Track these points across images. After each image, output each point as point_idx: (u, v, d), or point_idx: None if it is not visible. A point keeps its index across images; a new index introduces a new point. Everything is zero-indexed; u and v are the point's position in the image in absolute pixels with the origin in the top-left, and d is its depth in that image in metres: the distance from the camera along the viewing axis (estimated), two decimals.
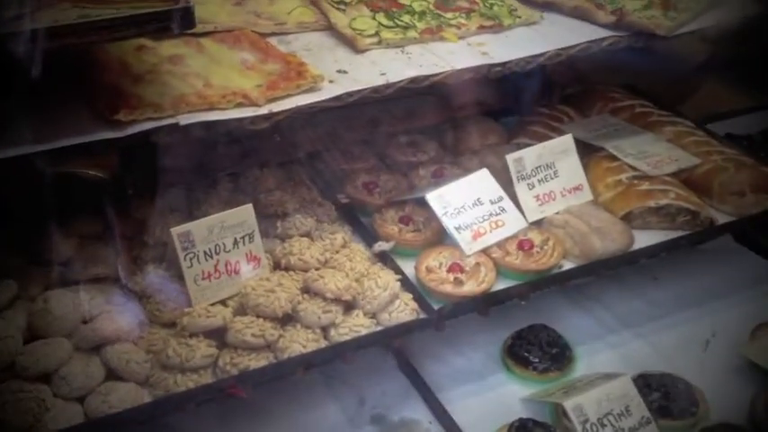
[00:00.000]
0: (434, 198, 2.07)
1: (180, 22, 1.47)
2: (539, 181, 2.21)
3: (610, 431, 1.84)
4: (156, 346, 1.71)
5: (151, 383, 1.66)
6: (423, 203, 2.11)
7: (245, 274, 1.84)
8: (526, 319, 2.20)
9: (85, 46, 1.47)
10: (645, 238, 2.19)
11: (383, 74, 1.90)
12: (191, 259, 1.76)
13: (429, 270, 2.00)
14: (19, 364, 1.56)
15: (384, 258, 2.05)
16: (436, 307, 1.91)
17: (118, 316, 1.72)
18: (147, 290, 1.83)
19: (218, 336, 1.75)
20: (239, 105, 1.73)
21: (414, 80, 1.91)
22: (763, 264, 2.47)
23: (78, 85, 1.71)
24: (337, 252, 2.00)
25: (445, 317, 1.91)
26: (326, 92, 1.82)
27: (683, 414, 1.94)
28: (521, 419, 1.89)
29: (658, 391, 1.98)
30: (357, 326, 1.82)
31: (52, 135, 1.56)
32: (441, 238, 2.12)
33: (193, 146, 2.12)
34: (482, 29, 2.13)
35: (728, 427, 1.87)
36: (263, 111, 1.74)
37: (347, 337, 1.80)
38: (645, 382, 1.99)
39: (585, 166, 2.32)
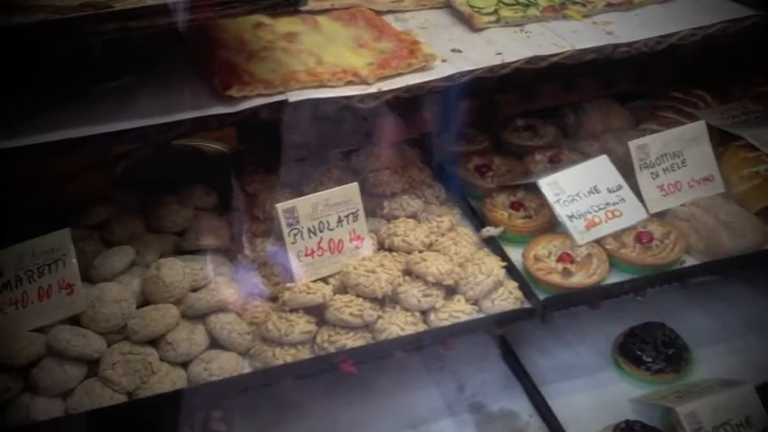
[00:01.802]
0: (547, 184, 1.99)
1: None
2: (664, 170, 2.07)
3: None
4: (258, 318, 1.75)
5: (251, 354, 1.70)
6: (536, 189, 2.03)
7: (348, 253, 1.84)
8: (642, 316, 2.09)
9: (200, 22, 1.51)
10: None
11: (499, 53, 1.84)
12: (295, 235, 1.78)
13: (537, 258, 1.93)
14: (130, 328, 1.64)
15: (491, 244, 1.99)
16: (542, 297, 1.83)
17: (224, 287, 1.77)
18: (253, 263, 1.88)
19: (318, 313, 1.76)
20: (349, 83, 1.73)
21: (530, 60, 1.84)
22: None
23: (197, 61, 1.77)
24: (443, 235, 1.97)
25: (551, 308, 1.84)
26: (438, 71, 1.78)
27: None
28: (627, 421, 1.79)
29: None
30: (457, 311, 1.78)
31: (169, 109, 1.63)
32: (553, 226, 2.03)
33: (308, 122, 2.14)
34: (610, 6, 2.02)
35: None
36: (372, 89, 1.73)
37: (446, 323, 1.77)
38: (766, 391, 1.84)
39: (719, 156, 2.15)
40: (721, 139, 2.23)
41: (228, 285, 1.79)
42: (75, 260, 1.64)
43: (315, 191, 1.90)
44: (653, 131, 2.16)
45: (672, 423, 1.80)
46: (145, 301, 1.72)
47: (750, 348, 2.06)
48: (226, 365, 1.64)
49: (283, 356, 1.68)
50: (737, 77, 2.52)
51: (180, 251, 1.87)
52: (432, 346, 1.87)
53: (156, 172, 2.13)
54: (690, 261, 1.96)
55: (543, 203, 2.03)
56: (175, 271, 1.71)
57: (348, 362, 1.72)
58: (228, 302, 1.75)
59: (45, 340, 1.59)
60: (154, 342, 1.65)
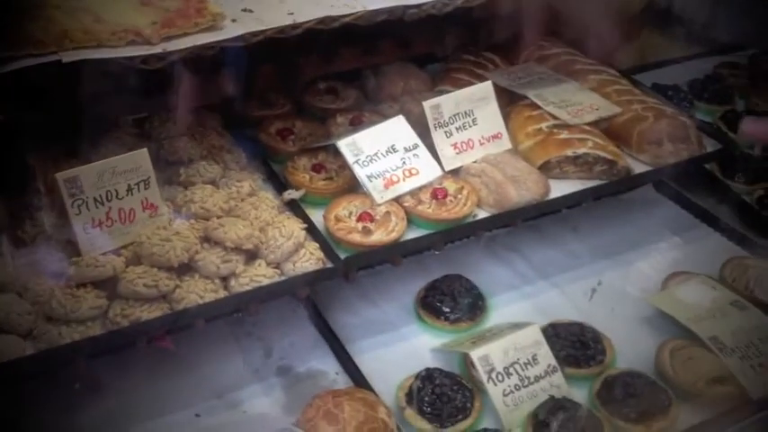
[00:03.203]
0: (346, 145, 2.01)
1: None
2: (456, 129, 2.15)
3: (515, 380, 1.83)
4: (42, 297, 1.63)
5: (34, 336, 1.59)
6: (337, 151, 2.04)
7: (141, 223, 1.76)
8: (442, 271, 2.18)
9: None
10: (563, 188, 2.17)
11: (291, 13, 1.81)
12: (79, 206, 1.67)
13: (338, 219, 1.95)
14: None
15: (294, 208, 1.99)
16: (343, 257, 1.86)
17: (2, 265, 1.63)
18: (35, 239, 1.74)
19: (111, 287, 1.67)
20: (132, 43, 1.63)
21: (323, 21, 1.83)
22: (681, 214, 2.48)
23: None
24: (243, 200, 1.93)
25: (353, 266, 1.87)
26: (227, 32, 1.72)
27: (590, 362, 1.95)
28: (427, 369, 1.87)
29: (567, 339, 1.98)
30: (258, 276, 1.76)
31: None
32: (354, 187, 2.06)
33: (92, 86, 2.01)
34: None
35: (632, 375, 1.87)
36: (157, 50, 1.64)
37: (247, 288, 1.74)
38: (554, 332, 1.99)
39: (507, 115, 2.28)
40: (509, 99, 2.36)
41: (5, 264, 1.65)
42: None
43: (100, 158, 1.79)
44: (448, 92, 2.24)
45: (467, 368, 1.90)
46: None
47: (539, 293, 2.22)
48: (6, 348, 1.51)
49: (71, 335, 1.58)
50: (523, 42, 2.67)
51: None
52: (235, 313, 1.84)
53: None
54: (482, 214, 2.07)
55: (344, 165, 2.05)
56: None
57: (147, 339, 1.66)
58: (6, 282, 1.61)
59: None
60: None
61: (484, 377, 1.81)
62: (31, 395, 1.75)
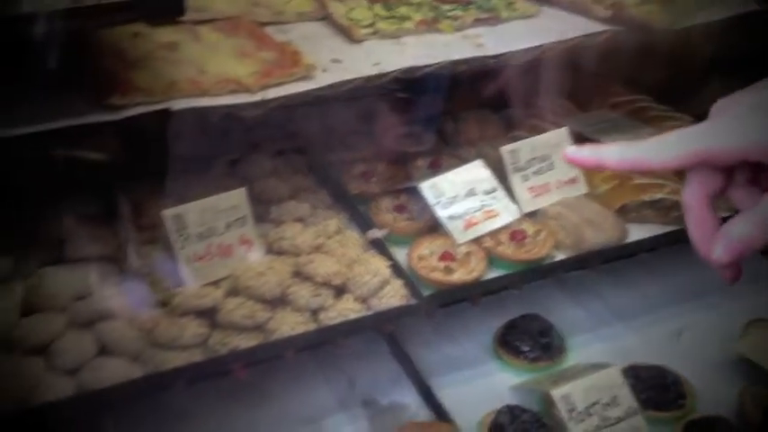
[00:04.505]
0: (427, 187, 2.10)
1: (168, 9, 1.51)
2: (533, 173, 2.22)
3: (596, 420, 1.85)
4: (148, 324, 1.75)
5: (142, 360, 1.70)
6: (418, 194, 2.13)
7: (238, 257, 1.87)
8: (519, 310, 2.22)
9: (77, 31, 1.51)
10: (640, 232, 2.20)
11: (377, 64, 1.93)
12: (183, 241, 1.79)
13: (420, 258, 2.03)
14: (14, 337, 1.61)
15: (378, 246, 2.07)
16: (426, 294, 1.93)
17: (111, 294, 1.76)
18: (141, 270, 1.87)
19: (210, 317, 1.78)
20: (232, 92, 1.76)
21: (407, 71, 1.94)
22: (758, 260, 2.47)
23: (74, 70, 1.75)
24: (330, 238, 2.03)
25: (434, 303, 1.94)
26: (319, 80, 1.85)
27: (670, 406, 1.95)
28: (508, 406, 1.91)
29: (647, 382, 1.99)
30: (346, 310, 1.85)
31: (48, 117, 1.60)
32: (435, 227, 2.14)
33: (192, 131, 2.16)
34: (478, 21, 2.15)
35: (713, 420, 1.87)
36: (256, 98, 1.77)
37: (336, 321, 1.83)
38: (634, 374, 2.01)
39: None
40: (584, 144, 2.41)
41: (116, 292, 1.78)
42: None
43: (201, 198, 1.92)
44: (522, 138, 2.32)
45: (548, 406, 1.93)
46: (28, 310, 1.68)
47: (617, 335, 2.24)
48: (116, 372, 1.63)
49: (175, 360, 1.69)
50: (596, 89, 2.74)
51: (62, 260, 1.84)
52: (322, 345, 1.93)
53: (35, 181, 2.08)
54: (559, 256, 2.12)
55: (425, 206, 2.13)
56: (59, 279, 1.70)
57: (241, 366, 1.75)
58: (116, 309, 1.74)
59: None
60: (40, 351, 1.62)
61: (565, 416, 1.83)
62: (128, 418, 1.86)
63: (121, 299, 1.78)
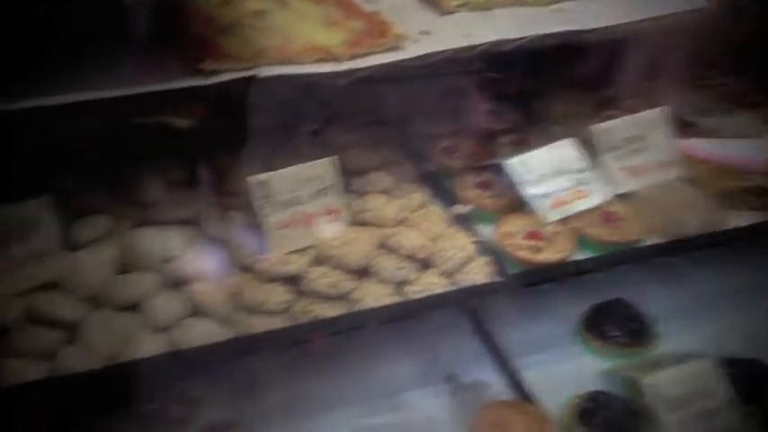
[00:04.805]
0: (515, 164, 2.05)
1: None
2: (626, 153, 2.14)
3: (690, 411, 1.78)
4: (235, 288, 1.76)
5: (229, 323, 1.71)
6: (503, 170, 2.08)
7: (323, 226, 1.86)
8: (607, 293, 2.16)
9: None
10: (736, 219, 2.10)
11: (467, 36, 1.88)
12: (268, 208, 1.80)
13: (506, 235, 1.98)
14: (108, 295, 1.64)
15: (461, 221, 2.04)
16: (512, 273, 1.89)
17: (199, 257, 1.78)
18: (227, 235, 1.89)
19: (294, 284, 1.78)
20: (320, 61, 1.75)
21: (497, 43, 1.89)
22: None
23: (166, 35, 1.77)
24: (414, 212, 2.01)
25: (520, 282, 1.89)
26: (408, 52, 1.81)
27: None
28: (594, 392, 1.85)
29: (741, 375, 1.91)
30: (431, 284, 1.82)
31: (141, 81, 1.63)
32: (520, 204, 2.08)
33: (278, 99, 2.17)
34: None
35: None
36: (344, 67, 1.75)
37: (420, 295, 1.80)
38: (728, 365, 1.92)
39: None
40: (680, 126, 2.32)
41: (203, 256, 1.80)
42: (55, 227, 1.64)
43: (285, 166, 1.92)
44: (616, 116, 2.24)
45: (635, 394, 1.87)
46: (121, 269, 1.72)
47: (709, 323, 2.14)
48: (205, 333, 1.65)
49: (261, 325, 1.70)
50: (693, 68, 2.62)
51: (153, 222, 1.87)
52: (405, 318, 1.91)
53: (124, 146, 2.12)
54: (651, 240, 2.03)
55: (510, 184, 2.08)
56: (151, 240, 1.72)
57: (324, 335, 1.75)
58: (204, 272, 1.76)
59: (25, 304, 1.57)
60: (133, 309, 1.65)
61: (657, 405, 1.77)
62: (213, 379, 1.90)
63: (209, 262, 1.80)
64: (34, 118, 1.54)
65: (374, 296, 1.77)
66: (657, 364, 1.88)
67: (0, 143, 1.80)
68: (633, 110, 2.28)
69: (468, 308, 1.95)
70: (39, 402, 1.60)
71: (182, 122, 2.11)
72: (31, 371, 1.53)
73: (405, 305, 1.80)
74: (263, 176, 1.80)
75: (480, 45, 1.86)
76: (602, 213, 2.03)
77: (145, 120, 2.07)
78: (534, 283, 1.93)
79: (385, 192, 2.05)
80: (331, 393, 1.90)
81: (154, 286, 1.67)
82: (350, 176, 2.09)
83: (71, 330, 1.61)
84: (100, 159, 2.02)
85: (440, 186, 2.18)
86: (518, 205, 2.08)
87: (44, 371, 1.55)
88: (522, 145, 2.28)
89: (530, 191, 2.02)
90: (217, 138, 2.13)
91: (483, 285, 1.86)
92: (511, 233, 1.98)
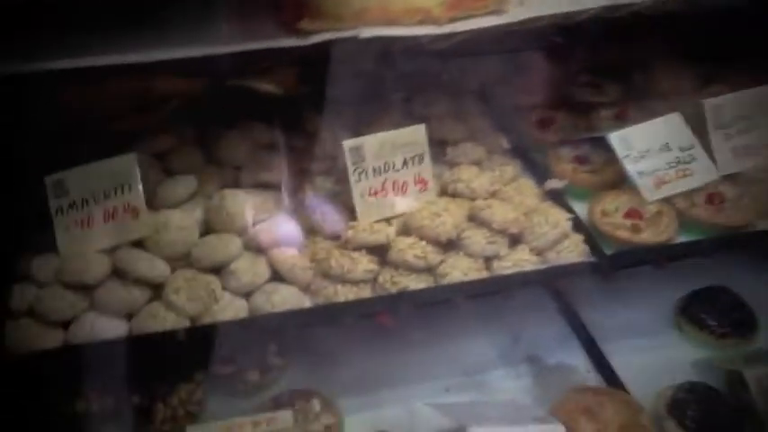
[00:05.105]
0: (617, 139, 1.93)
1: None
2: (738, 131, 1.99)
3: None
4: (320, 255, 1.72)
5: (312, 290, 1.68)
6: (601, 145, 1.98)
7: (412, 196, 1.80)
8: (707, 279, 2.03)
9: None
10: None
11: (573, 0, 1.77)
12: (360, 174, 1.74)
13: (604, 213, 1.87)
14: (194, 255, 1.62)
15: (555, 197, 1.94)
16: (608, 253, 1.79)
17: (286, 222, 1.75)
18: (314, 201, 1.85)
19: (381, 253, 1.73)
20: (420, 23, 1.67)
21: (608, 8, 1.76)
22: None
23: None
24: (506, 185, 1.92)
25: (617, 264, 1.79)
26: (511, 15, 1.71)
27: None
28: (691, 382, 1.75)
29: None
30: (521, 260, 1.74)
31: (236, 40, 1.58)
32: (618, 181, 1.97)
33: (370, 63, 2.10)
34: None
35: None
36: (444, 30, 1.67)
37: (510, 271, 1.73)
38: None
39: None
40: None
41: (290, 220, 1.77)
42: (140, 186, 1.62)
43: (375, 132, 1.85)
44: (724, 92, 2.08)
45: (736, 387, 1.75)
46: (207, 230, 1.70)
47: None
48: (287, 299, 1.61)
49: (345, 294, 1.65)
50: None
51: (240, 185, 1.85)
52: (491, 294, 1.83)
53: (215, 107, 2.10)
54: (761, 226, 1.89)
55: (609, 159, 1.98)
56: (239, 202, 1.69)
57: (409, 307, 1.69)
58: (290, 237, 1.72)
59: (111, 261, 1.57)
60: (217, 271, 1.63)
61: (757, 399, 1.65)
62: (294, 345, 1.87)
63: (294, 228, 1.76)
64: (127, 74, 1.52)
65: (461, 270, 1.70)
66: (761, 357, 1.75)
67: (92, 99, 1.81)
68: (742, 85, 2.13)
69: (558, 287, 1.85)
70: (117, 360, 1.61)
71: (269, 87, 2.08)
72: (111, 328, 1.53)
73: (493, 281, 1.73)
74: (355, 141, 1.75)
75: (590, 10, 1.75)
76: (707, 194, 1.90)
77: (237, 81, 2.05)
78: (631, 264, 1.83)
79: (476, 163, 1.98)
80: (409, 367, 1.85)
81: (238, 249, 1.63)
82: (442, 146, 2.02)
83: (155, 289, 1.60)
84: (189, 119, 2.00)
85: (532, 160, 2.09)
86: (617, 182, 1.97)
87: (124, 329, 1.55)
88: (623, 119, 2.16)
89: (631, 167, 1.90)
90: (307, 101, 2.09)
91: (576, 265, 1.76)
92: (609, 211, 1.88)
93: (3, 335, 1.54)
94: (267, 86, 2.28)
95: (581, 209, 1.90)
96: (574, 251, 1.78)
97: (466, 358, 1.88)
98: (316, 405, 1.73)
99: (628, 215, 1.86)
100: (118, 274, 1.56)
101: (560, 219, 1.80)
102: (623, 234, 1.81)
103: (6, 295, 1.60)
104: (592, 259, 1.78)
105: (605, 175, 1.99)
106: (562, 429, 1.49)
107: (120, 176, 1.62)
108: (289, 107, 2.07)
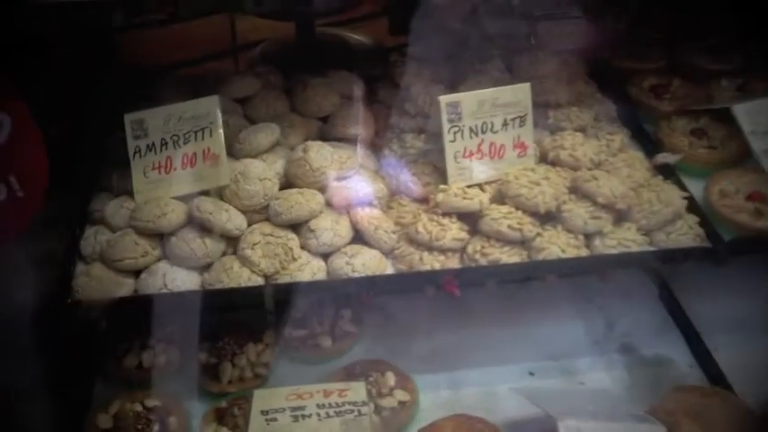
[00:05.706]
0: (742, 111, 1.74)
1: None
2: None
3: None
4: (406, 219, 1.60)
5: (395, 255, 1.56)
6: (721, 118, 1.80)
7: (509, 161, 1.65)
8: None
9: None
10: None
11: None
12: (455, 133, 1.60)
13: (723, 194, 1.69)
14: (273, 209, 1.52)
15: (667, 172, 1.75)
16: (726, 238, 1.60)
17: (372, 180, 1.63)
18: (402, 159, 1.72)
19: (471, 221, 1.59)
20: None
21: None
22: None
23: None
24: (613, 156, 1.75)
25: (735, 251, 1.60)
26: None
27: None
28: None
29: None
30: (628, 240, 1.57)
31: None
32: (740, 159, 1.78)
33: (469, 19, 1.95)
34: None
35: None
36: None
37: (613, 251, 1.56)
38: None
39: None
40: None
41: (376, 179, 1.65)
42: (221, 130, 1.52)
43: (471, 90, 1.70)
44: None
45: None
46: (288, 183, 1.59)
47: None
48: (369, 263, 1.50)
49: (431, 262, 1.52)
50: None
51: (324, 137, 1.73)
52: (588, 274, 1.68)
53: (302, 55, 1.98)
54: None
55: (730, 134, 1.79)
56: (323, 155, 1.57)
57: (498, 281, 1.56)
58: (376, 197, 1.60)
59: (187, 210, 1.48)
60: (295, 228, 1.53)
61: None
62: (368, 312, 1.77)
63: (380, 187, 1.64)
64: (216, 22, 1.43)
65: (559, 246, 1.55)
66: None
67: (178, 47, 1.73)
68: None
69: (664, 271, 1.68)
70: (187, 314, 1.53)
71: (360, 39, 1.95)
72: (183, 280, 1.45)
73: (594, 260, 1.57)
74: (453, 96, 1.61)
75: None
76: None
77: (323, 34, 1.93)
78: (750, 251, 1.63)
79: (581, 130, 1.81)
80: (492, 346, 1.72)
81: (319, 206, 1.52)
82: (545, 109, 1.86)
83: (230, 242, 1.50)
84: (275, 65, 1.90)
85: (642, 130, 1.90)
86: (738, 160, 1.78)
87: (196, 282, 1.47)
88: (749, 91, 1.95)
89: (757, 144, 1.70)
90: (397, 56, 1.95)
91: (688, 249, 1.59)
92: (728, 192, 1.69)
93: (73, 279, 1.48)
94: (357, 36, 2.16)
95: (696, 188, 1.72)
96: (686, 234, 1.60)
97: (553, 341, 1.74)
98: (390, 379, 1.62)
99: (750, 197, 1.66)
100: (193, 223, 1.47)
101: (673, 197, 1.63)
102: (744, 218, 1.62)
103: (79, 237, 1.55)
104: (706, 244, 1.60)
105: (725, 151, 1.80)
106: (663, 430, 1.34)
107: (201, 120, 1.52)
108: (377, 61, 1.95)
